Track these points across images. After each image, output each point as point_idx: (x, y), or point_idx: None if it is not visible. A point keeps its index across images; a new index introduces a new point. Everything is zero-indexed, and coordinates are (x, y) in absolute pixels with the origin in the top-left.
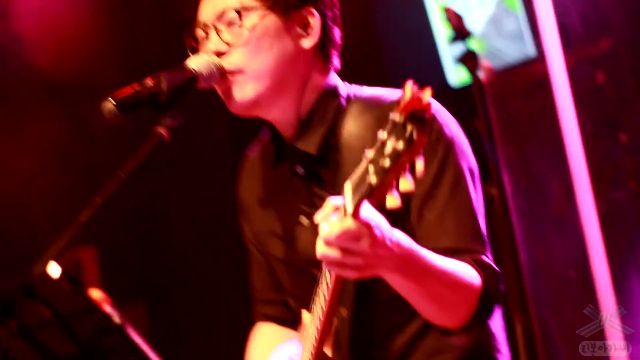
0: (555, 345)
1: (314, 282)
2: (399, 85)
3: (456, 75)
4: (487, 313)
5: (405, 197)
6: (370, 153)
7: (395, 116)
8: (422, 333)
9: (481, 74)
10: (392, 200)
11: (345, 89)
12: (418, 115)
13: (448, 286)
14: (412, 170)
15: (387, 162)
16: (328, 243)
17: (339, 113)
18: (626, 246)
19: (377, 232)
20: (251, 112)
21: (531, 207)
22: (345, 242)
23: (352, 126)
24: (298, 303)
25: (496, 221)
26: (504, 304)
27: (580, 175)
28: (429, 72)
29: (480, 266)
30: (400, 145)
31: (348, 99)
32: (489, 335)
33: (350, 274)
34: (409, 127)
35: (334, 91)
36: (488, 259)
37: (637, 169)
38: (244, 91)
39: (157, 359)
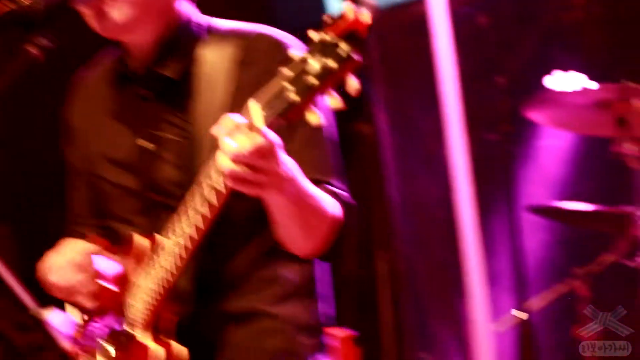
0: (420, 281)
1: (151, 206)
2: (281, 18)
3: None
4: (340, 243)
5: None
6: (287, 71)
7: (326, 36)
8: (258, 262)
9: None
10: (315, 117)
11: (205, 19)
12: (356, 36)
13: (317, 213)
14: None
15: (314, 80)
16: (237, 159)
17: (200, 42)
18: (494, 188)
19: (279, 150)
20: (120, 35)
21: (405, 146)
22: (255, 159)
23: (211, 56)
24: (128, 227)
25: (367, 157)
26: (369, 240)
27: (454, 115)
28: (312, 6)
29: (338, 198)
30: (332, 63)
31: (208, 29)
32: (315, 274)
33: (253, 191)
34: (345, 47)
35: (194, 20)
36: (345, 191)
37: (512, 112)
38: (117, 14)
39: (11, 278)
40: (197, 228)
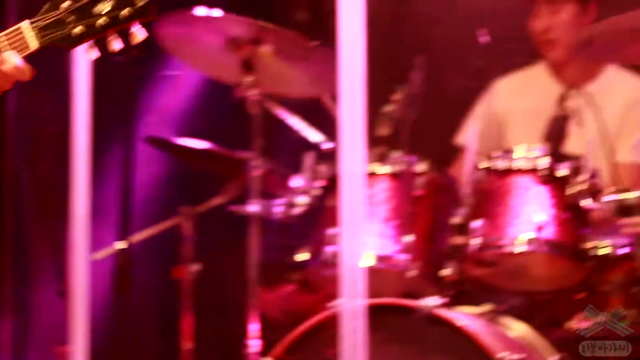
0: (26, 200)
1: None
2: None
3: None
4: None
5: None
6: (68, 4)
7: None
8: None
9: None
10: (91, 53)
11: None
12: None
13: None
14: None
15: (102, 21)
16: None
17: None
18: (114, 114)
19: None
20: None
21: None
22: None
23: None
24: None
25: None
26: None
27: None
28: None
29: None
30: (127, 12)
31: None
32: None
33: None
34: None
35: None
36: None
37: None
38: None
39: None
40: None
